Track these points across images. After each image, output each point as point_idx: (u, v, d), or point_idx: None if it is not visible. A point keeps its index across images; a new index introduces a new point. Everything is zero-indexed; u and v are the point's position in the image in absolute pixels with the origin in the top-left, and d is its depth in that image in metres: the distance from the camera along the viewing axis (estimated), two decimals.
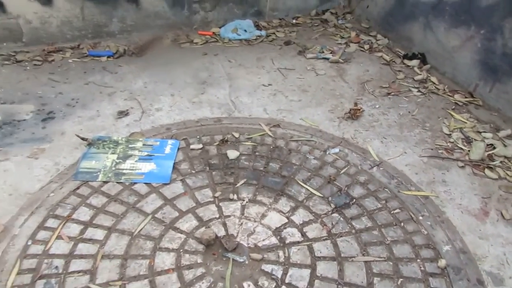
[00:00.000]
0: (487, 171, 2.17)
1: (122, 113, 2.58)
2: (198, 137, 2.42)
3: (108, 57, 3.25)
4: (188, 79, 2.99)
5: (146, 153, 2.24)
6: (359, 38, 3.56)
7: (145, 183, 2.06)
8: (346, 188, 2.07)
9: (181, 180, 2.09)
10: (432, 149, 2.34)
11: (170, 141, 2.33)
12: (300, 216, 1.91)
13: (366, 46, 3.42)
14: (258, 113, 2.63)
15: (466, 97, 2.76)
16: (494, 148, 2.31)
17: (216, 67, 3.16)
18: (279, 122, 2.54)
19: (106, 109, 2.62)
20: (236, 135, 2.42)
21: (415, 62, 3.14)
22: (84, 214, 1.86)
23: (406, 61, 3.19)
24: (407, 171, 2.19)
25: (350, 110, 2.61)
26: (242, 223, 1.87)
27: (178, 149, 2.29)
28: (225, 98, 2.77)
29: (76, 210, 1.88)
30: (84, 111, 2.58)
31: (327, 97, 2.81)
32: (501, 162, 2.22)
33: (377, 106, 2.71)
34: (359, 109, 2.61)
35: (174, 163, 2.18)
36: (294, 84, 2.95)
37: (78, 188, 2.01)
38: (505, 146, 2.31)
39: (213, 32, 3.64)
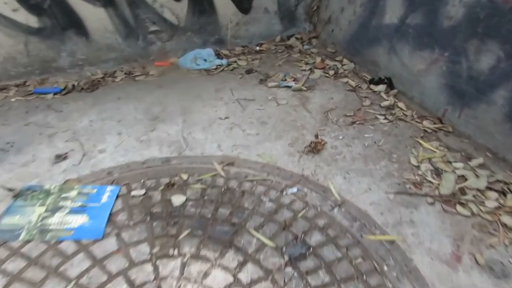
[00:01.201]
0: (458, 208, 1.95)
1: (60, 157, 2.33)
2: (142, 181, 2.17)
3: (55, 94, 3.01)
4: (139, 115, 2.76)
5: (79, 204, 1.98)
6: (325, 63, 3.39)
7: (74, 241, 1.79)
8: (302, 235, 1.83)
9: (116, 234, 1.83)
10: (399, 183, 2.12)
11: (109, 188, 2.08)
12: (248, 273, 1.66)
13: (331, 72, 3.24)
14: (211, 150, 2.40)
15: (435, 123, 2.57)
16: (466, 179, 2.10)
17: (170, 100, 2.94)
18: (234, 160, 2.31)
19: (43, 153, 2.36)
20: (185, 177, 2.18)
21: (381, 87, 2.96)
22: None
23: (372, 86, 3.02)
24: (371, 211, 1.96)
25: (311, 143, 2.40)
26: (180, 286, 1.60)
27: (118, 196, 2.04)
28: (176, 134, 2.55)
29: None
30: (17, 157, 2.33)
31: (288, 129, 2.59)
32: (473, 196, 2.01)
33: (340, 137, 2.50)
34: (321, 142, 2.40)
35: (111, 214, 1.93)
36: (253, 116, 2.74)
37: None
38: (477, 177, 2.11)
39: (171, 63, 3.44)
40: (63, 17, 2.97)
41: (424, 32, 2.59)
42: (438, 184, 2.09)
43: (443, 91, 2.52)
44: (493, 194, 2.01)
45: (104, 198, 2.01)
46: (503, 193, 2.01)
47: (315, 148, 2.37)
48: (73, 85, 3.10)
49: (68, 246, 1.76)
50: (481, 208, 1.94)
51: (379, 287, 1.61)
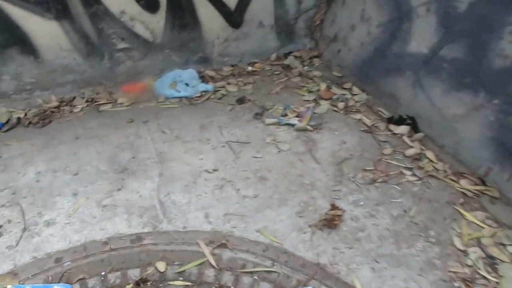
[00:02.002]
0: None
1: None
2: (103, 273, 1.66)
3: None
4: (103, 165, 2.22)
5: None
6: (331, 92, 2.91)
7: None
8: None
9: None
10: (445, 280, 1.67)
11: None
12: None
13: (341, 104, 2.77)
14: (196, 222, 1.90)
15: (476, 184, 2.14)
16: None
17: (144, 142, 2.41)
18: (227, 238, 1.82)
19: None
20: (162, 267, 1.69)
21: (403, 129, 2.51)
22: None
23: (392, 127, 2.56)
24: None
25: (326, 214, 1.92)
26: None
27: None
28: (151, 196, 2.03)
29: None
30: None
31: (294, 188, 2.11)
32: None
33: (361, 203, 2.03)
34: (338, 211, 1.92)
35: None
36: (248, 167, 2.24)
37: None
38: None
39: (145, 86, 2.89)
40: (2, 32, 2.37)
41: (465, 69, 2.15)
42: (497, 283, 1.65)
43: (488, 145, 2.09)
44: None
45: None
46: None
47: (331, 221, 1.89)
48: (19, 118, 2.53)
49: None
50: None
51: None
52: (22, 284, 1.59)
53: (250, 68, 3.22)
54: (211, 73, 3.10)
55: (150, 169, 2.22)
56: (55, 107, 2.66)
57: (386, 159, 2.33)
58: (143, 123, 2.58)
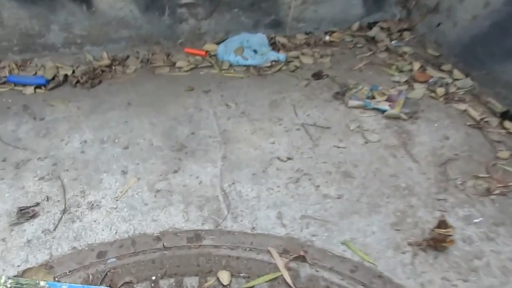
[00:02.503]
0: None
1: (26, 214, 1.53)
2: (153, 278, 1.37)
3: (38, 87, 2.17)
4: (157, 139, 1.93)
5: None
6: (427, 74, 2.45)
7: None
8: None
9: None
10: None
11: None
12: None
13: (440, 90, 2.31)
14: (267, 223, 1.57)
15: None
16: None
17: (205, 115, 2.09)
18: (305, 249, 1.47)
19: (0, 200, 1.56)
20: (225, 278, 1.39)
21: None
22: None
23: (507, 124, 2.09)
24: None
25: (432, 231, 1.53)
26: None
27: None
28: (212, 184, 1.71)
29: None
30: None
31: (387, 192, 1.73)
32: None
33: (475, 221, 1.62)
34: (448, 232, 1.52)
35: None
36: (329, 159, 1.87)
37: None
38: None
39: (207, 51, 2.57)
40: None
41: None
42: None
43: None
44: None
45: None
46: None
47: (438, 242, 1.50)
48: (66, 75, 2.26)
49: None
50: None
51: None
52: (57, 281, 1.32)
53: (327, 38, 2.79)
54: (283, 40, 2.71)
55: (212, 149, 1.89)
56: (106, 66, 2.38)
57: (503, 165, 1.89)
58: (204, 93, 2.25)
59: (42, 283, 1.30)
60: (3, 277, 1.30)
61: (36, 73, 2.26)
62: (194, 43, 2.58)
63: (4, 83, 2.20)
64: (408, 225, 1.61)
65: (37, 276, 1.33)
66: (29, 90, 2.16)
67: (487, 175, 1.84)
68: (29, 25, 2.23)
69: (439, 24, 2.68)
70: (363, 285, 1.40)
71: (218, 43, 2.60)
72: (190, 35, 2.56)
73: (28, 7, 2.16)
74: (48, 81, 2.21)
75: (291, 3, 2.63)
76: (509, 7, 2.19)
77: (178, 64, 2.45)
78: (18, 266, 1.37)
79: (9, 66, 2.28)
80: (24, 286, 1.29)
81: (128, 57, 2.45)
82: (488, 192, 1.77)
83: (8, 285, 1.28)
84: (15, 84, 2.19)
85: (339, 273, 1.43)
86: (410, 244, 1.54)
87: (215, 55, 2.54)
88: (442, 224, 1.58)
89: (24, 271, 1.34)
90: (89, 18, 2.30)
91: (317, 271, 1.43)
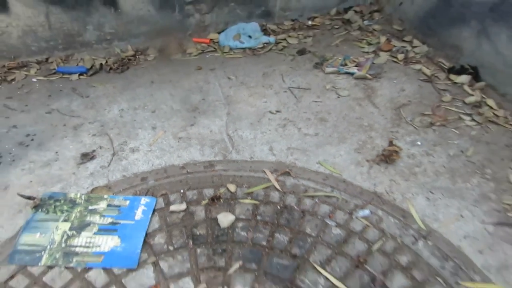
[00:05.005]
0: None
1: (87, 156, 2.07)
2: (182, 191, 1.90)
3: (81, 74, 2.74)
4: (176, 105, 2.46)
5: (109, 220, 1.72)
6: (391, 44, 2.97)
7: (104, 269, 1.55)
8: (381, 277, 1.52)
9: (153, 263, 1.58)
10: (498, 210, 1.77)
11: (143, 200, 1.82)
12: None
13: (400, 56, 2.82)
14: (262, 154, 2.09)
15: None
16: None
17: (212, 86, 2.62)
18: (290, 168, 2.00)
19: (67, 150, 2.12)
20: (232, 188, 1.90)
21: (464, 79, 2.54)
22: None
23: (452, 77, 2.59)
24: (466, 248, 1.63)
25: (384, 150, 2.05)
26: None
27: (154, 210, 1.78)
28: (220, 131, 2.24)
29: None
30: (39, 153, 2.09)
31: (352, 129, 2.24)
32: None
33: (418, 143, 2.13)
34: (395, 149, 2.04)
35: (146, 234, 1.67)
36: (309, 110, 2.39)
37: (12, 277, 1.53)
38: None
39: (211, 39, 3.10)
40: None
41: None
42: None
43: None
44: None
45: (139, 214, 1.75)
46: None
47: (388, 157, 2.02)
48: (101, 64, 2.82)
49: (97, 276, 1.52)
50: None
51: None
52: (115, 195, 1.87)
53: (310, 23, 3.32)
54: (272, 26, 3.25)
55: (218, 109, 2.43)
56: (131, 56, 2.93)
57: (445, 106, 2.40)
58: (210, 71, 2.79)
59: (105, 196, 1.85)
60: (78, 194, 1.86)
61: (77, 64, 2.83)
62: (200, 34, 3.13)
63: (54, 73, 2.76)
64: (367, 149, 2.13)
65: (102, 192, 1.89)
66: (74, 77, 2.72)
67: (432, 113, 2.36)
68: (70, 27, 2.80)
69: (401, 4, 3.19)
70: (331, 187, 1.92)
71: (219, 32, 3.14)
72: (196, 27, 3.11)
73: (70, 12, 2.73)
74: (88, 70, 2.77)
75: None
76: None
77: (188, 51, 3.01)
78: (87, 188, 1.92)
79: (56, 60, 2.85)
80: (93, 198, 1.84)
81: (148, 48, 3.01)
82: (431, 124, 2.28)
83: (82, 198, 1.84)
84: (63, 74, 2.75)
85: (314, 181, 1.95)
86: (367, 160, 2.06)
87: (217, 42, 3.09)
88: (391, 144, 2.10)
89: (92, 190, 1.89)
90: (116, 18, 2.86)
91: (298, 181, 1.96)
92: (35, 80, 2.70)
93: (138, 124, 2.32)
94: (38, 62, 2.83)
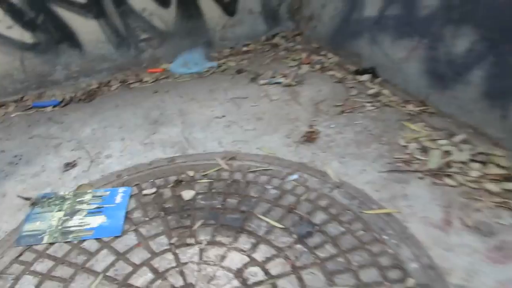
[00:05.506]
0: (446, 180, 2.16)
1: (69, 165, 2.47)
2: (151, 180, 2.33)
3: (54, 106, 3.15)
4: (139, 120, 2.91)
5: (95, 206, 2.13)
6: (310, 58, 3.59)
7: (96, 239, 1.94)
8: (307, 216, 2.01)
9: (134, 230, 1.99)
10: (390, 163, 2.33)
11: (121, 189, 2.24)
12: (262, 252, 1.83)
13: (318, 66, 3.45)
14: (213, 148, 2.57)
15: (419, 106, 2.79)
16: (451, 154, 2.31)
17: (167, 104, 3.10)
18: (235, 154, 2.48)
19: (51, 163, 2.51)
20: (191, 173, 2.35)
21: (366, 77, 3.17)
22: (28, 283, 1.74)
23: (357, 77, 3.22)
24: (368, 190, 2.16)
25: (306, 133, 2.59)
26: (200, 269, 1.77)
27: (130, 196, 2.20)
28: (178, 135, 2.71)
29: (19, 280, 1.75)
30: (28, 168, 2.46)
31: (283, 122, 2.78)
32: (458, 168, 2.22)
33: (332, 126, 2.70)
34: (315, 131, 2.59)
35: (126, 212, 2.08)
36: (248, 113, 2.92)
37: (21, 254, 1.89)
38: (460, 151, 2.32)
39: (163, 69, 3.60)
40: (56, 31, 3.10)
41: (403, 22, 2.81)
42: (426, 161, 2.30)
43: (425, 76, 2.74)
44: (476, 165, 2.23)
45: (118, 199, 2.17)
46: (484, 163, 2.23)
47: (310, 137, 2.56)
48: (71, 97, 3.24)
49: (91, 245, 1.91)
50: (466, 178, 2.16)
51: (381, 253, 1.80)
52: (97, 189, 2.28)
53: (245, 48, 3.91)
54: (214, 54, 3.81)
55: (174, 120, 2.90)
56: (96, 88, 3.37)
57: (353, 98, 3.00)
58: (165, 92, 3.28)
59: (89, 191, 2.26)
60: (66, 192, 2.25)
61: (50, 99, 3.23)
62: (154, 65, 3.62)
63: (30, 108, 3.14)
64: (294, 135, 2.65)
65: (85, 189, 2.29)
66: (49, 109, 3.11)
67: (342, 104, 2.95)
68: (42, 69, 3.21)
69: (315, 27, 3.86)
70: (268, 163, 2.42)
71: (170, 62, 3.66)
72: (150, 60, 3.60)
73: (41, 56, 3.14)
74: (60, 102, 3.18)
75: (215, 28, 3.75)
76: (347, 7, 3.38)
77: (144, 79, 3.49)
78: (73, 187, 2.31)
79: (30, 98, 3.24)
80: (79, 193, 2.24)
81: (110, 80, 3.47)
82: (342, 112, 2.85)
83: (70, 194, 2.23)
84: (38, 108, 3.14)
85: (255, 161, 2.44)
86: (295, 142, 2.59)
87: (169, 70, 3.60)
88: (311, 128, 2.65)
89: (77, 187, 2.29)
90: (81, 58, 3.31)
91: (243, 162, 2.44)
92: (14, 115, 3.07)
93: (109, 137, 2.74)
94: (15, 101, 3.21)
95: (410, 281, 1.66)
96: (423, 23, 2.66)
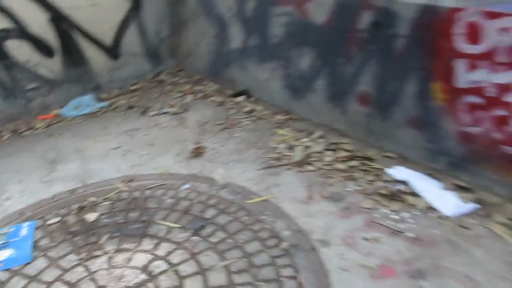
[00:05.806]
0: (308, 167, 2.68)
1: None
2: (54, 212, 2.48)
3: None
4: (36, 162, 3.02)
5: (1, 242, 2.22)
6: (193, 89, 4.02)
7: (6, 270, 2.05)
8: (200, 214, 2.35)
9: (43, 255, 2.13)
10: (265, 162, 2.79)
11: (25, 224, 2.36)
12: (163, 249, 2.12)
13: (200, 94, 3.88)
14: (111, 175, 2.80)
15: (285, 116, 3.35)
16: (310, 148, 2.86)
17: (62, 145, 3.25)
18: (133, 177, 2.74)
19: None
20: (93, 199, 2.55)
21: (242, 98, 3.68)
22: None
23: (235, 99, 3.72)
24: (248, 185, 2.58)
25: (194, 149, 2.96)
26: (110, 273, 2.00)
27: (36, 228, 2.33)
28: (76, 169, 2.88)
29: None
30: None
31: (173, 144, 3.12)
32: (317, 157, 2.77)
33: (216, 141, 3.11)
34: (201, 147, 2.98)
35: (34, 242, 2.21)
36: (141, 141, 3.20)
37: None
38: (318, 144, 2.89)
39: (55, 114, 3.72)
40: None
41: (261, 49, 3.38)
42: (292, 156, 2.82)
43: (285, 90, 3.33)
44: (329, 153, 2.81)
45: (24, 232, 2.29)
46: (335, 150, 2.82)
47: (197, 152, 2.94)
48: None
49: (1, 276, 2.02)
50: (322, 163, 2.71)
51: (261, 229, 2.21)
52: (1, 228, 2.36)
53: (133, 87, 4.21)
54: (104, 95, 4.03)
55: (71, 156, 3.06)
56: None
57: (232, 116, 3.47)
58: (59, 135, 3.41)
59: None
60: None
61: None
62: (45, 112, 3.73)
63: None
64: (184, 153, 3.00)
65: None
66: None
67: (223, 122, 3.40)
68: None
69: (194, 62, 4.34)
70: (163, 179, 2.73)
71: (61, 107, 3.79)
72: (40, 107, 3.68)
73: None
74: None
75: (102, 72, 4.00)
76: (218, 42, 3.91)
77: (37, 126, 3.57)
78: None
79: None
80: None
81: (1, 131, 3.48)
82: (224, 129, 3.29)
83: None
84: None
85: (151, 179, 2.72)
86: (185, 158, 2.94)
87: (61, 115, 3.73)
88: (197, 144, 3.04)
89: None
90: None
91: (140, 182, 2.72)
92: None
93: (5, 183, 2.80)
94: None
95: (284, 244, 2.08)
96: (276, 48, 3.25)
